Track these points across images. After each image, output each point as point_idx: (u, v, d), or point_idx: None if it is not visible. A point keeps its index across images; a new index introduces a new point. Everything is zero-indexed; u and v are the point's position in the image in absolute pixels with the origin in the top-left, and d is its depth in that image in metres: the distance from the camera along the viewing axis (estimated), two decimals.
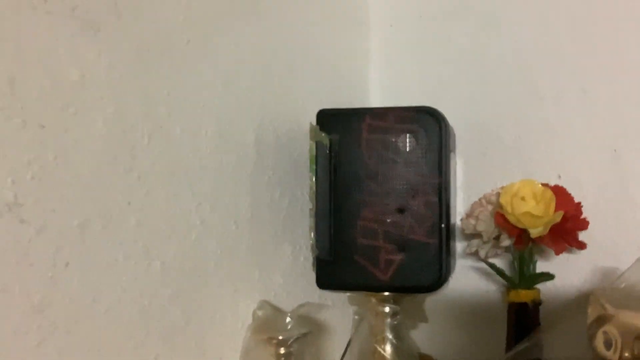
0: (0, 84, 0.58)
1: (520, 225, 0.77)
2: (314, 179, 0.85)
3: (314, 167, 0.85)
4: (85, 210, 0.65)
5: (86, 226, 0.65)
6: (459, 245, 0.97)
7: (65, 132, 0.63)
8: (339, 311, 1.00)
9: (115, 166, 0.68)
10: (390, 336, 0.88)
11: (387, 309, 0.88)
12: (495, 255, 0.88)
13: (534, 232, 0.76)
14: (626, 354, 0.66)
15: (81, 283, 0.64)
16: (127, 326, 0.69)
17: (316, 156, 0.85)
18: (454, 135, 0.96)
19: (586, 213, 0.82)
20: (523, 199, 0.75)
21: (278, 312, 0.82)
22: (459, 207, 0.96)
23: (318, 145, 0.84)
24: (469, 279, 0.98)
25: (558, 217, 0.76)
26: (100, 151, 0.67)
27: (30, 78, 0.60)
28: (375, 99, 1.07)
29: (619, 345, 0.66)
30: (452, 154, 0.91)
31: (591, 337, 0.69)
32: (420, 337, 1.01)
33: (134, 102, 0.70)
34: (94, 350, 0.66)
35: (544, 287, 0.88)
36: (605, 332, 0.68)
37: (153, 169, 0.73)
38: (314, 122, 0.86)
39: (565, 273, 0.89)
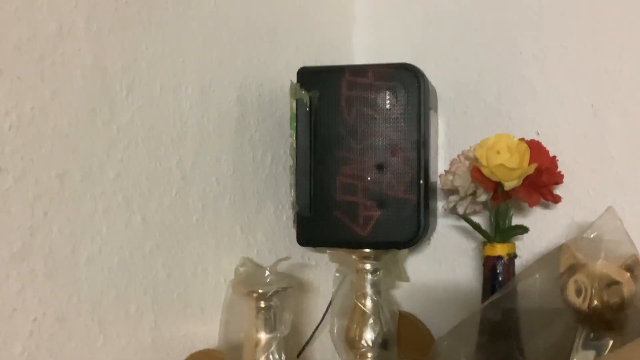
0: None
1: (494, 178, 0.78)
2: (294, 137, 0.86)
3: (294, 124, 0.85)
4: (63, 161, 0.66)
5: (65, 177, 0.66)
6: (440, 205, 0.98)
7: (42, 83, 0.64)
8: (322, 270, 1.01)
9: (93, 118, 0.69)
10: (370, 292, 0.89)
11: (367, 266, 0.89)
12: (474, 213, 0.89)
13: (508, 185, 0.77)
14: (596, 302, 0.68)
15: (60, 232, 0.65)
16: (107, 276, 0.70)
17: (296, 114, 0.85)
18: (435, 93, 0.97)
19: (563, 168, 0.83)
20: (498, 152, 0.76)
21: (259, 268, 0.84)
22: (441, 166, 0.97)
23: (298, 102, 0.85)
24: (450, 237, 1.00)
25: (531, 170, 0.77)
26: (78, 103, 0.67)
27: (6, 29, 0.61)
28: (359, 59, 1.07)
29: (589, 294, 0.68)
30: (433, 112, 0.92)
31: (563, 286, 0.70)
32: (402, 295, 1.03)
33: (113, 55, 0.71)
34: (74, 298, 0.67)
35: (521, 243, 0.90)
36: (576, 281, 0.69)
37: (132, 122, 0.73)
38: (295, 80, 0.87)
39: (542, 227, 0.90)
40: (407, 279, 0.99)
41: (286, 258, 0.85)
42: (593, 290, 0.67)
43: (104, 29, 0.70)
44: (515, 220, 0.86)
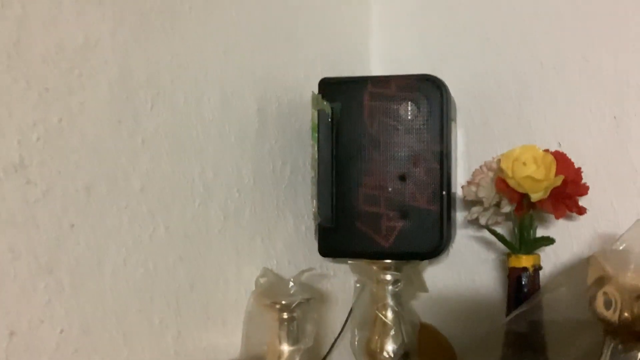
0: (6, 47, 0.59)
1: (521, 190, 0.77)
2: (316, 147, 0.86)
3: (316, 135, 0.85)
4: (90, 172, 0.66)
5: (91, 189, 0.66)
6: (459, 215, 0.97)
7: (69, 95, 0.64)
8: (341, 280, 1.01)
9: (119, 130, 0.69)
10: (391, 303, 0.89)
11: (388, 277, 0.89)
12: (496, 224, 0.89)
13: (535, 197, 0.77)
14: (626, 314, 0.67)
15: (87, 245, 0.65)
16: (132, 288, 0.70)
17: (318, 124, 0.85)
18: (455, 104, 0.97)
19: (586, 179, 0.83)
20: (524, 163, 0.75)
21: (281, 279, 0.83)
22: (460, 177, 0.97)
23: (320, 113, 0.85)
24: (469, 248, 0.99)
25: (559, 181, 0.76)
26: (104, 115, 0.67)
27: (35, 41, 0.61)
28: (377, 69, 1.07)
29: (619, 305, 0.67)
30: (453, 123, 0.92)
31: (591, 298, 0.70)
32: (421, 306, 1.02)
33: (138, 67, 0.71)
34: (100, 310, 0.67)
35: (544, 253, 0.89)
36: (605, 293, 0.68)
37: (157, 134, 0.73)
38: (316, 90, 0.87)
39: (566, 239, 0.89)
40: (425, 290, 0.99)
41: (310, 269, 0.85)
42: (623, 302, 0.67)
43: (129, 40, 0.70)
44: (538, 232, 0.86)
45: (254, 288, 0.84)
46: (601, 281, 0.69)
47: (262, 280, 0.84)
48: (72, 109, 0.64)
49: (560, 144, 0.90)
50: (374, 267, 0.89)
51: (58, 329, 0.63)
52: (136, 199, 0.71)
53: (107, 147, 0.68)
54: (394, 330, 0.88)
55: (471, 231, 0.98)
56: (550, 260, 0.90)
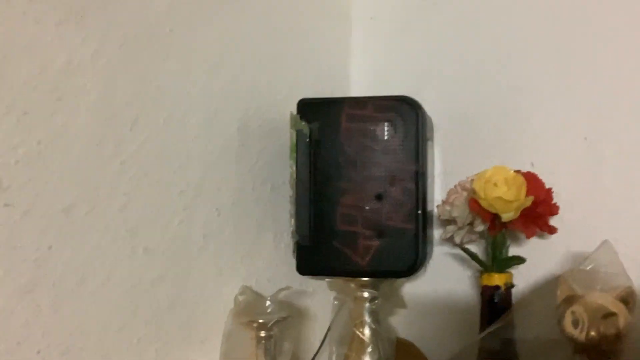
0: None
1: (492, 210, 0.79)
2: (294, 167, 0.87)
3: (295, 155, 0.87)
4: (69, 194, 0.67)
5: (71, 210, 0.67)
6: (437, 233, 0.99)
7: (50, 118, 0.65)
8: (320, 298, 1.02)
9: (99, 152, 0.70)
10: (368, 320, 0.90)
11: (365, 294, 0.90)
12: (470, 242, 0.91)
13: (506, 217, 0.79)
14: (592, 333, 0.69)
15: (66, 266, 0.66)
16: (111, 308, 0.71)
17: (296, 144, 0.87)
18: (432, 124, 0.99)
19: (558, 199, 0.85)
20: (495, 184, 0.77)
21: (259, 297, 0.84)
22: (438, 195, 0.99)
23: (298, 133, 0.86)
24: (446, 265, 1.01)
25: (528, 202, 0.79)
26: (84, 137, 0.68)
27: (15, 64, 0.62)
28: (357, 90, 1.09)
29: (586, 325, 0.69)
30: (429, 143, 0.94)
31: (560, 317, 0.72)
32: (399, 322, 1.04)
33: (119, 89, 0.72)
34: (79, 330, 0.67)
35: (517, 271, 0.91)
36: (573, 312, 0.70)
37: (138, 154, 0.74)
38: (295, 111, 0.88)
39: (538, 258, 0.91)
40: (404, 306, 1.00)
41: (287, 288, 0.86)
42: (590, 322, 0.69)
43: (110, 63, 0.71)
44: (512, 250, 0.88)
45: (233, 306, 0.85)
46: (569, 300, 0.71)
47: (241, 298, 0.85)
48: (52, 131, 0.65)
49: (533, 164, 0.92)
50: (352, 285, 0.91)
51: (35, 350, 0.63)
52: (116, 219, 0.71)
53: (87, 168, 0.68)
54: (371, 347, 0.89)
55: (448, 248, 1.00)
56: (523, 278, 0.92)
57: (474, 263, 0.92)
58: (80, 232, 0.67)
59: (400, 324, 1.04)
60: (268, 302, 0.80)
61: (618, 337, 0.70)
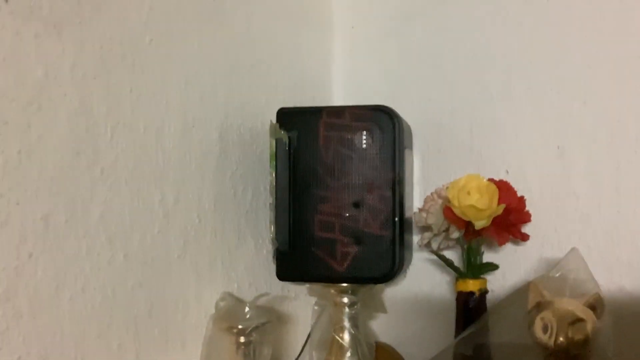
0: None
1: (465, 218, 0.81)
2: (274, 175, 0.88)
3: (274, 163, 0.88)
4: (48, 203, 0.68)
5: (50, 219, 0.68)
6: (416, 239, 1.01)
7: (28, 128, 0.66)
8: (302, 303, 1.03)
9: (78, 161, 0.71)
10: (348, 325, 0.92)
11: (345, 299, 0.92)
12: (448, 248, 0.92)
13: (478, 224, 0.81)
14: (561, 339, 0.71)
15: (45, 273, 0.67)
16: (90, 315, 0.72)
17: (276, 153, 0.88)
18: (410, 132, 1.00)
19: (531, 206, 0.87)
20: (469, 192, 0.79)
21: (240, 302, 0.86)
22: (416, 202, 1.00)
23: (278, 142, 0.88)
24: (424, 271, 1.02)
25: (500, 210, 0.80)
26: (63, 146, 0.69)
27: None
28: (338, 98, 1.10)
29: (555, 330, 0.71)
30: (408, 151, 0.95)
31: (530, 323, 0.73)
32: (379, 326, 1.05)
33: (97, 99, 0.73)
34: (58, 336, 0.68)
35: (493, 277, 0.93)
36: (542, 318, 0.72)
37: (116, 163, 0.75)
38: (274, 120, 0.90)
39: (512, 264, 0.93)
40: (384, 311, 1.02)
41: (266, 294, 0.87)
42: (559, 327, 0.70)
43: (89, 73, 0.72)
44: (487, 256, 0.89)
45: (214, 311, 0.87)
46: (539, 307, 0.72)
47: (221, 304, 0.87)
48: (30, 141, 0.66)
49: (507, 172, 0.94)
50: (332, 290, 0.92)
51: (15, 356, 0.64)
52: (95, 227, 0.73)
53: (66, 177, 0.70)
54: (350, 352, 0.91)
55: (427, 254, 1.01)
56: (499, 283, 0.93)
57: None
58: (59, 240, 0.69)
59: (381, 328, 1.05)
60: (247, 308, 0.82)
61: (586, 342, 0.71)
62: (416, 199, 1.01)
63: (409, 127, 0.98)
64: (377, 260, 0.85)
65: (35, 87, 0.67)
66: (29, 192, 0.66)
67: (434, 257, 1.01)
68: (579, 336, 0.71)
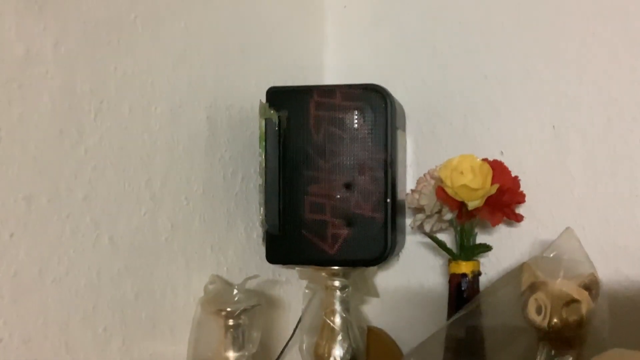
0: None
1: (458, 198, 0.79)
2: (263, 156, 0.87)
3: (264, 143, 0.86)
4: (30, 183, 0.66)
5: (32, 199, 0.66)
6: (409, 222, 0.99)
7: (9, 106, 0.64)
8: (293, 287, 1.02)
9: (61, 140, 0.69)
10: (339, 309, 0.90)
11: (336, 283, 0.91)
12: (441, 230, 0.91)
13: (471, 205, 0.79)
14: (555, 320, 0.69)
15: (27, 254, 0.66)
16: (74, 298, 0.71)
17: (266, 133, 0.86)
18: (404, 113, 0.99)
19: (526, 187, 0.85)
20: (462, 172, 0.77)
21: (228, 285, 0.84)
22: (409, 184, 0.99)
23: (267, 122, 0.86)
24: (418, 254, 1.01)
25: (493, 190, 0.79)
26: (46, 125, 0.68)
27: None
28: (330, 79, 1.08)
29: (549, 311, 0.70)
30: (401, 132, 0.94)
31: (524, 304, 0.72)
32: (371, 311, 1.04)
33: (81, 77, 0.71)
34: (41, 319, 0.67)
35: (486, 259, 0.92)
36: (536, 299, 0.71)
37: (101, 143, 0.74)
38: (265, 100, 0.88)
39: (507, 245, 0.92)
40: (376, 295, 1.01)
41: (255, 276, 0.86)
42: (553, 309, 0.69)
43: (72, 51, 0.70)
44: (481, 238, 0.88)
45: (203, 295, 0.85)
46: (533, 288, 0.71)
47: (210, 287, 0.85)
48: (12, 120, 0.64)
49: (502, 153, 0.92)
50: (323, 274, 0.91)
51: None
52: (79, 208, 0.71)
53: (49, 157, 0.68)
54: (342, 336, 0.89)
55: (420, 237, 1.00)
56: (493, 265, 0.92)
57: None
58: (42, 221, 0.67)
59: (373, 312, 1.04)
60: (235, 291, 0.80)
61: (580, 323, 0.70)
62: (409, 182, 0.99)
63: (402, 107, 0.97)
64: (369, 243, 0.84)
65: (16, 65, 0.65)
66: (10, 171, 0.64)
67: (427, 240, 0.99)
68: (573, 317, 0.70)
